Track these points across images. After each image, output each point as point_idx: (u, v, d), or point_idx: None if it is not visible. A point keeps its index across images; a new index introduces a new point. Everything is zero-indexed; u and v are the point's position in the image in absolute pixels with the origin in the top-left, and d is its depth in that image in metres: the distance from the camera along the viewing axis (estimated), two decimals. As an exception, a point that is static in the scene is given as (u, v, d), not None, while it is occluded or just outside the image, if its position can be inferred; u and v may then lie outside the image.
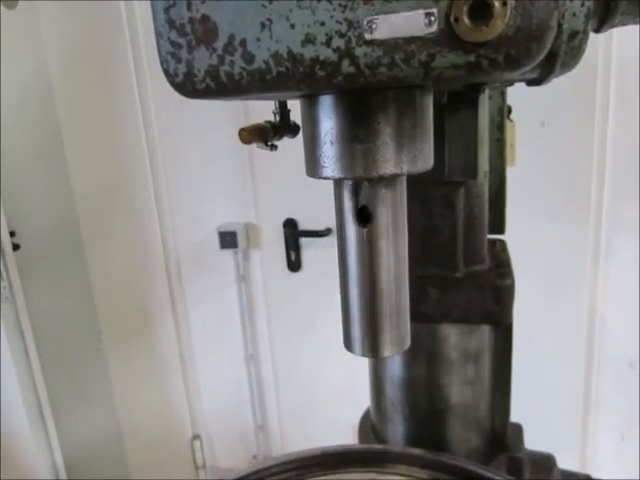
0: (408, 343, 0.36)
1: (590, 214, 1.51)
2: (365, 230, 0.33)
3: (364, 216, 0.33)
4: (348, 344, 0.36)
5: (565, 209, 1.53)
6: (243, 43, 0.26)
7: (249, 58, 0.26)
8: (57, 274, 2.07)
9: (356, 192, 0.32)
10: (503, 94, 0.80)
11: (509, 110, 0.85)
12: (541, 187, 1.50)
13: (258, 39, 0.26)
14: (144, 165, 1.91)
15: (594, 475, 0.81)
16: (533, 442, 0.79)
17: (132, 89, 1.82)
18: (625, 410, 1.63)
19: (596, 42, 1.35)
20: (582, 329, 1.60)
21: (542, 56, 0.23)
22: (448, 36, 0.23)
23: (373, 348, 0.34)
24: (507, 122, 0.83)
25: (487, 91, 0.69)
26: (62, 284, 2.09)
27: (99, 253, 2.07)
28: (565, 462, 0.79)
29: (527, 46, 0.23)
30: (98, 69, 1.84)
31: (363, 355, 0.35)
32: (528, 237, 1.29)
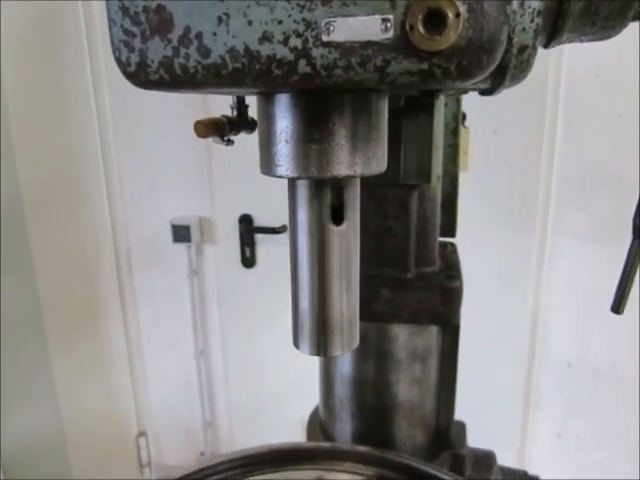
0: (357, 343, 0.36)
1: (537, 220, 1.57)
2: (336, 228, 0.33)
3: (337, 215, 0.33)
4: (297, 343, 0.36)
5: (513, 215, 1.59)
6: (199, 36, 0.25)
7: (205, 52, 0.26)
8: (-2, 262, 1.97)
9: (332, 191, 0.32)
10: (458, 101, 0.82)
11: (464, 117, 0.87)
12: (491, 193, 1.55)
13: (215, 33, 0.25)
14: (95, 152, 1.85)
15: (531, 471, 0.85)
16: (474, 439, 0.82)
17: (85, 73, 1.76)
18: (562, 408, 1.71)
19: (547, 57, 1.40)
20: (525, 331, 1.66)
21: (492, 68, 0.24)
22: (403, 43, 0.23)
23: (321, 347, 0.34)
24: (461, 128, 0.86)
25: (442, 97, 0.70)
26: (3, 272, 2.00)
27: (44, 240, 1.99)
28: (504, 459, 0.82)
29: (478, 58, 0.23)
30: (49, 51, 1.77)
31: (311, 354, 0.35)
32: (477, 241, 1.33)
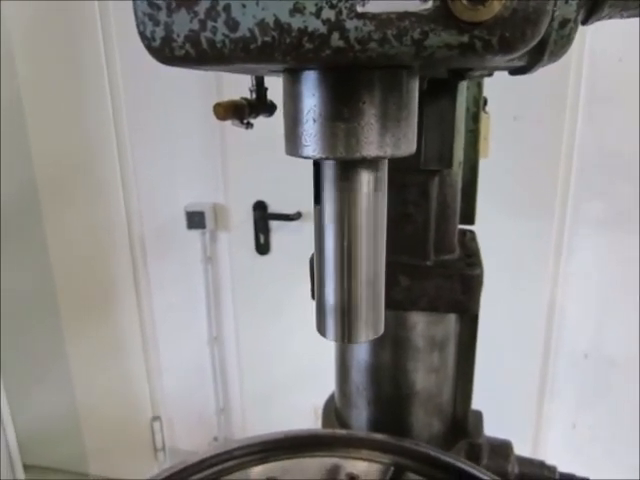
0: (382, 330, 0.36)
1: (555, 210, 1.55)
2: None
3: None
4: (321, 328, 0.35)
5: (531, 203, 1.56)
6: (227, 8, 0.24)
7: (233, 25, 0.25)
8: (14, 247, 1.99)
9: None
10: (480, 85, 0.80)
11: (485, 102, 0.85)
12: (510, 181, 1.52)
13: (243, 5, 0.24)
14: (110, 138, 1.85)
15: (547, 461, 0.84)
16: (489, 428, 0.81)
17: (99, 57, 1.76)
18: (577, 399, 1.70)
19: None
20: (541, 321, 1.65)
21: (536, 41, 0.23)
22: (443, 14, 0.22)
23: (348, 333, 0.34)
24: (482, 114, 0.84)
25: (465, 81, 0.69)
26: (19, 258, 2.02)
27: (59, 226, 2.00)
28: (519, 448, 0.81)
29: (522, 30, 0.22)
30: (64, 35, 1.76)
31: (336, 340, 0.34)
32: (495, 229, 1.31)
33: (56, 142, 1.91)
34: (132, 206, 1.93)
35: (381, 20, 0.23)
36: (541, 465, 0.80)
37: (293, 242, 1.80)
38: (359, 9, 0.23)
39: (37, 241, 2.00)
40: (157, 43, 0.26)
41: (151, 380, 2.14)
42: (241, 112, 0.51)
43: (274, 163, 1.66)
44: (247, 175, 1.79)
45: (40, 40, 1.79)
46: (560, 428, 1.74)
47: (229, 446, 0.66)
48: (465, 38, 0.23)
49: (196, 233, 1.87)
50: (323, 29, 0.24)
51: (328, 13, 0.23)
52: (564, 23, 0.27)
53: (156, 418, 2.19)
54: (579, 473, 0.78)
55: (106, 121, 1.83)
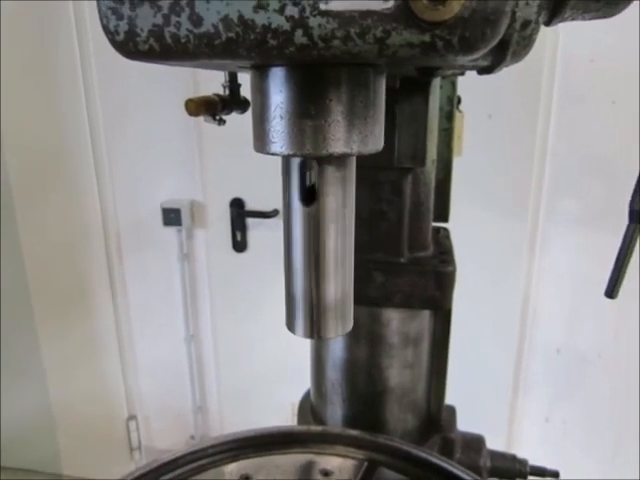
0: (350, 326, 0.36)
1: (529, 207, 1.58)
2: (310, 209, 0.32)
3: (311, 195, 0.32)
4: (290, 325, 0.35)
5: (506, 201, 1.59)
6: (191, 3, 0.24)
7: (197, 20, 0.24)
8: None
9: (303, 170, 0.31)
10: (454, 84, 0.81)
11: (459, 100, 0.86)
12: (484, 179, 1.54)
13: (207, 0, 0.24)
14: (84, 134, 1.82)
15: (519, 455, 0.86)
16: (463, 423, 0.82)
17: (73, 51, 1.72)
18: (550, 394, 1.73)
19: (543, 40, 1.39)
20: (515, 316, 1.68)
21: (495, 41, 0.23)
22: (405, 13, 0.22)
23: (315, 329, 0.34)
24: (456, 112, 0.85)
25: (438, 79, 0.69)
26: (-9, 256, 1.97)
27: (32, 223, 1.96)
28: (493, 442, 0.83)
29: (482, 30, 0.23)
30: (36, 29, 1.73)
31: (305, 336, 0.34)
32: (469, 226, 1.33)
33: (29, 137, 1.87)
34: (107, 203, 1.90)
35: (344, 18, 0.23)
36: (513, 459, 0.81)
37: (270, 239, 1.80)
38: (322, 7, 0.23)
39: (10, 238, 1.96)
40: (121, 37, 0.26)
41: (127, 379, 2.12)
42: (213, 108, 0.51)
43: (251, 160, 1.65)
44: (224, 172, 1.78)
45: (11, 36, 1.74)
46: (533, 422, 1.77)
47: (203, 444, 0.66)
48: (426, 37, 0.23)
49: (172, 230, 1.85)
50: (287, 26, 0.24)
51: (292, 10, 0.23)
52: (525, 24, 0.28)
53: (132, 417, 2.17)
54: (552, 467, 0.80)
55: (80, 116, 1.80)
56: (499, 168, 1.55)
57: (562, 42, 1.42)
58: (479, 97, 1.10)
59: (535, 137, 1.51)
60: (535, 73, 1.45)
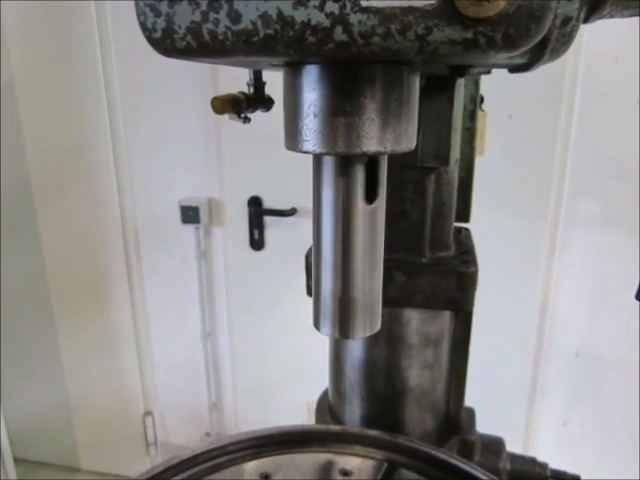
0: (379, 326, 0.36)
1: (549, 209, 1.56)
2: (370, 207, 0.32)
3: (369, 193, 0.32)
4: (318, 324, 0.35)
5: (526, 202, 1.57)
6: (230, 0, 0.24)
7: (235, 17, 0.24)
8: (6, 241, 1.98)
9: (368, 168, 0.31)
10: (477, 83, 0.80)
11: (481, 100, 0.85)
12: (505, 179, 1.53)
13: (246, -3, 0.24)
14: (104, 131, 1.84)
15: (538, 458, 0.85)
16: (482, 425, 0.82)
17: (94, 49, 1.74)
18: (568, 397, 1.71)
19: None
20: (534, 319, 1.66)
21: (539, 38, 0.23)
22: (447, 9, 0.22)
23: (345, 329, 0.34)
24: (478, 111, 0.84)
25: (463, 79, 0.69)
26: (12, 252, 2.00)
27: (52, 221, 1.99)
28: (509, 445, 0.82)
29: (526, 26, 0.22)
30: (57, 21, 1.74)
31: (334, 336, 0.34)
32: (489, 227, 1.32)
33: (50, 135, 1.89)
34: (126, 200, 1.92)
35: (385, 14, 0.23)
36: (533, 462, 0.80)
37: (287, 238, 1.80)
38: (363, 3, 0.23)
39: (30, 235, 1.99)
40: (158, 35, 0.26)
41: (143, 375, 2.14)
42: (239, 106, 0.51)
43: (270, 158, 1.66)
44: (242, 170, 1.78)
45: (31, 34, 1.77)
46: (551, 425, 1.75)
47: (223, 441, 0.66)
48: (469, 34, 0.23)
49: (190, 228, 1.86)
50: (326, 23, 0.23)
51: (332, 6, 0.23)
52: (566, 21, 0.27)
53: (148, 413, 2.18)
54: (569, 471, 0.79)
55: (101, 114, 1.82)
56: (519, 169, 1.54)
57: (585, 40, 1.40)
58: (500, 97, 1.09)
59: (556, 137, 1.49)
60: (557, 72, 1.43)
